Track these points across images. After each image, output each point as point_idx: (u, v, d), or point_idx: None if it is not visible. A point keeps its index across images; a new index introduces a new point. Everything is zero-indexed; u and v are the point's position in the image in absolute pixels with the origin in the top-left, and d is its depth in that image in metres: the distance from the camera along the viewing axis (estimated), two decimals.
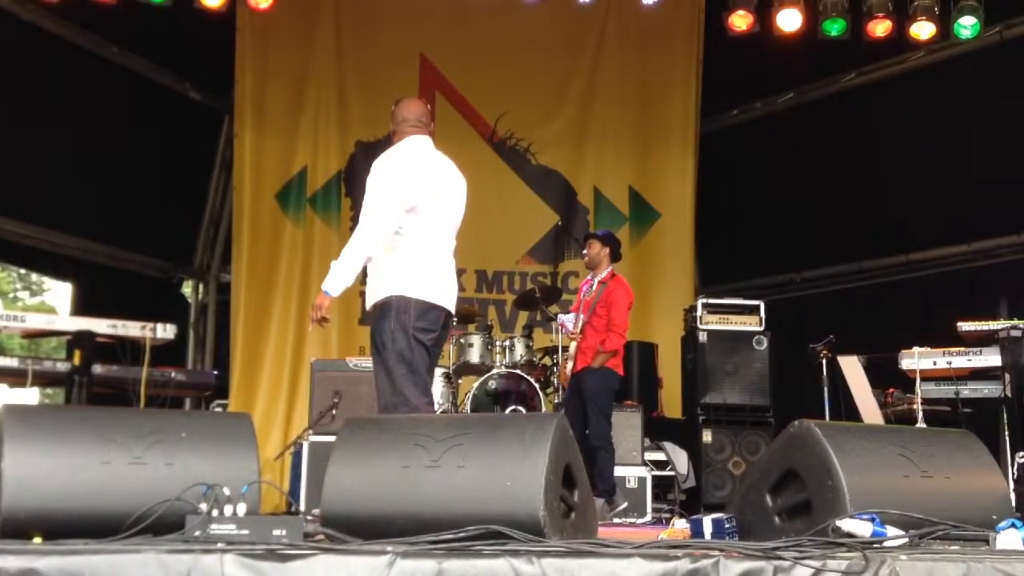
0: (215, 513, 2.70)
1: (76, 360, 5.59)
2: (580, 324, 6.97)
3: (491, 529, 2.70)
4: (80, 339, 5.61)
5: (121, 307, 5.90)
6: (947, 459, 3.37)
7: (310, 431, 6.89)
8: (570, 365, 6.99)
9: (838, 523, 2.89)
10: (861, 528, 2.86)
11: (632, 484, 7.32)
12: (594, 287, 7.05)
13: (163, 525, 2.71)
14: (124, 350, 5.70)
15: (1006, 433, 5.73)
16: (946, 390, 6.17)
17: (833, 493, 3.06)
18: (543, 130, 10.56)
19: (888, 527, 2.89)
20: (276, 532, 2.61)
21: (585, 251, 7.25)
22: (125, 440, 2.90)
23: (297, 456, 7.02)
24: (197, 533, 2.61)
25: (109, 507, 2.78)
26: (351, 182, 10.07)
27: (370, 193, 4.52)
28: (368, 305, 4.65)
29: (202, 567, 2.32)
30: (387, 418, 3.34)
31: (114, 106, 9.10)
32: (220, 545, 2.46)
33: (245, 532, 2.62)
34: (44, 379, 5.77)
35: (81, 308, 9.06)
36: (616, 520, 6.66)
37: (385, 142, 10.45)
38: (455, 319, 5.51)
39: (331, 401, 6.78)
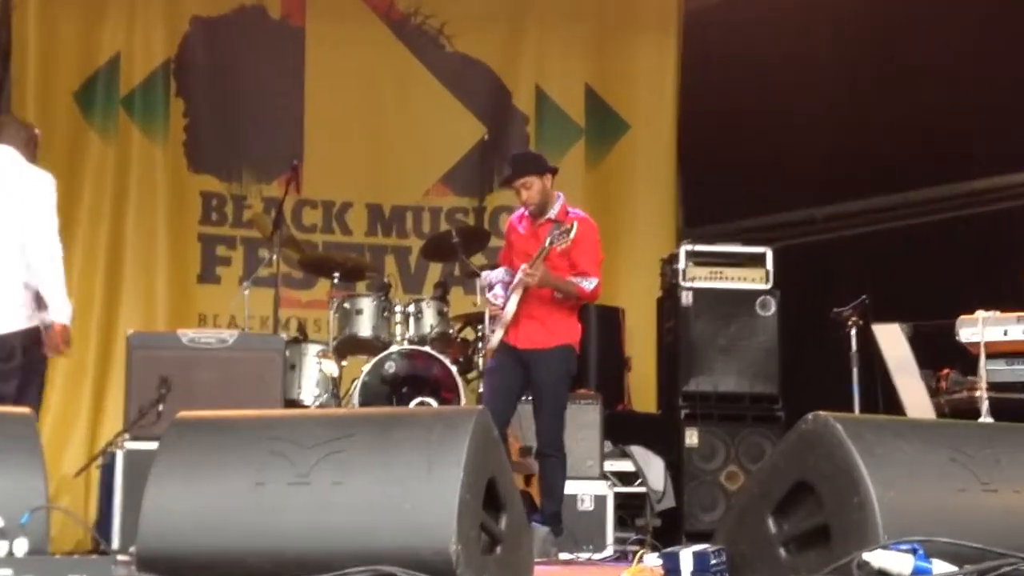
0: None
1: None
2: (515, 295, 6.64)
3: (381, 571, 2.71)
4: None
5: None
6: (1018, 467, 3.44)
7: (126, 435, 6.84)
8: (498, 335, 6.77)
9: (866, 556, 2.95)
10: (899, 563, 2.92)
11: (587, 505, 7.38)
12: (540, 225, 6.63)
13: None
14: None
15: None
16: (1021, 371, 6.30)
17: (859, 514, 3.12)
18: (462, 5, 10.51)
19: (935, 561, 2.95)
20: None
21: (524, 196, 6.72)
22: None
23: (108, 471, 6.97)
24: None
25: None
26: (185, 76, 9.93)
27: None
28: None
29: None
30: (233, 416, 3.32)
31: None
32: None
33: None
34: None
35: None
36: (564, 556, 6.71)
37: (231, 17, 10.15)
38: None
39: (156, 392, 6.72)
